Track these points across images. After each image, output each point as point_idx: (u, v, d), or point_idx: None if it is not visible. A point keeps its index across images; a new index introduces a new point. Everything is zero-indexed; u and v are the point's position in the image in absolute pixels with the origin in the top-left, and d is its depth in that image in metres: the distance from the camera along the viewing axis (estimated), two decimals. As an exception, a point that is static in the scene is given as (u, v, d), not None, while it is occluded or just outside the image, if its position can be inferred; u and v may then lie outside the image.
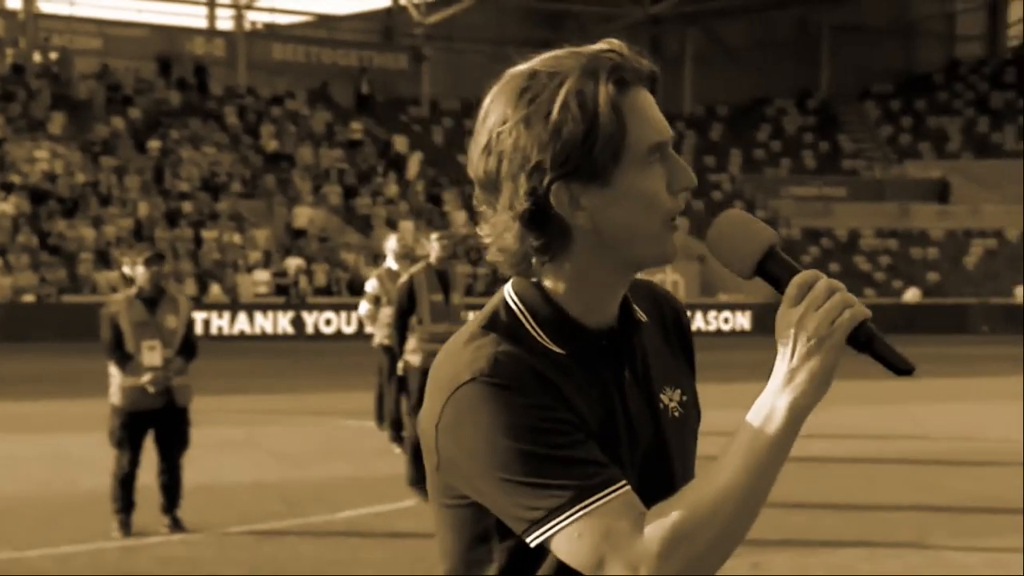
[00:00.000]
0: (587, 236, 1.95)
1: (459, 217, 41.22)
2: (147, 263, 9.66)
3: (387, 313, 13.16)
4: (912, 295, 42.29)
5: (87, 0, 48.05)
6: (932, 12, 58.08)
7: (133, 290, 9.72)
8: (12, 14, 45.71)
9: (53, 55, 44.28)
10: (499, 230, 1.97)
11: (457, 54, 51.28)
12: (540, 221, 1.93)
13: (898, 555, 8.91)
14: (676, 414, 2.08)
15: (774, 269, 1.90)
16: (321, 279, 37.30)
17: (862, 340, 1.84)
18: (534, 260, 1.98)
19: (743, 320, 39.28)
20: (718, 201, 45.62)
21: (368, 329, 14.79)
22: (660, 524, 1.82)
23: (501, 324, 1.98)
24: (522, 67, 1.98)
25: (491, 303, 2.03)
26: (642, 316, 2.08)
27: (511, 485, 1.86)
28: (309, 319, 35.30)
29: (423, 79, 49.78)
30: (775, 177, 48.49)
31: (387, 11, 52.47)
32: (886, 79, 54.79)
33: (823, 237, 46.28)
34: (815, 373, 1.84)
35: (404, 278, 11.41)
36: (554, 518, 1.85)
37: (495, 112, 1.95)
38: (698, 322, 37.81)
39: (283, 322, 35.08)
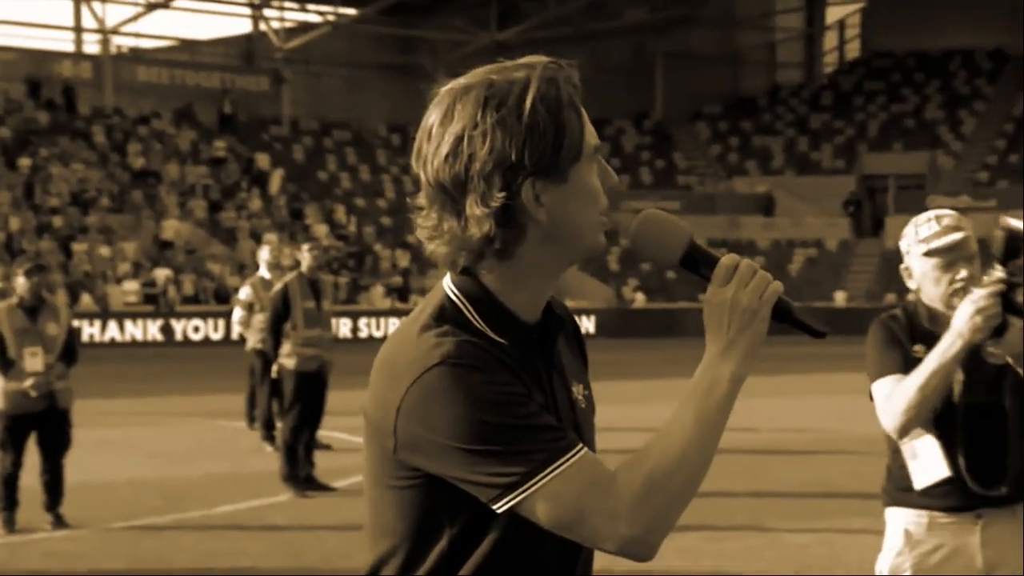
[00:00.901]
0: (539, 231, 1.97)
1: (320, 230, 40.97)
2: (27, 274, 9.48)
3: (260, 319, 13.05)
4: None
5: (-43, 25, 46.80)
6: (755, 42, 59.28)
7: (15, 299, 9.54)
8: None
9: (-77, 77, 43.06)
10: (461, 227, 1.95)
11: (315, 77, 51.03)
12: (507, 217, 1.94)
13: (738, 537, 9.08)
14: (583, 406, 2.13)
15: (697, 257, 1.99)
16: (189, 288, 36.80)
17: (783, 310, 1.95)
18: (484, 257, 1.98)
19: (588, 324, 39.61)
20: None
21: (239, 333, 14.63)
22: (632, 477, 1.88)
23: (450, 316, 1.98)
24: (469, 80, 1.98)
25: (432, 298, 2.03)
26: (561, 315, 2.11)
27: (483, 456, 1.87)
28: (178, 326, 34.79)
29: (283, 100, 49.39)
30: (615, 192, 49.09)
31: (248, 36, 51.98)
32: (715, 102, 55.79)
33: (659, 247, 46.75)
34: (751, 343, 1.94)
35: (279, 286, 11.33)
36: (528, 480, 1.87)
37: (460, 119, 1.94)
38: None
39: (153, 329, 34.52)
